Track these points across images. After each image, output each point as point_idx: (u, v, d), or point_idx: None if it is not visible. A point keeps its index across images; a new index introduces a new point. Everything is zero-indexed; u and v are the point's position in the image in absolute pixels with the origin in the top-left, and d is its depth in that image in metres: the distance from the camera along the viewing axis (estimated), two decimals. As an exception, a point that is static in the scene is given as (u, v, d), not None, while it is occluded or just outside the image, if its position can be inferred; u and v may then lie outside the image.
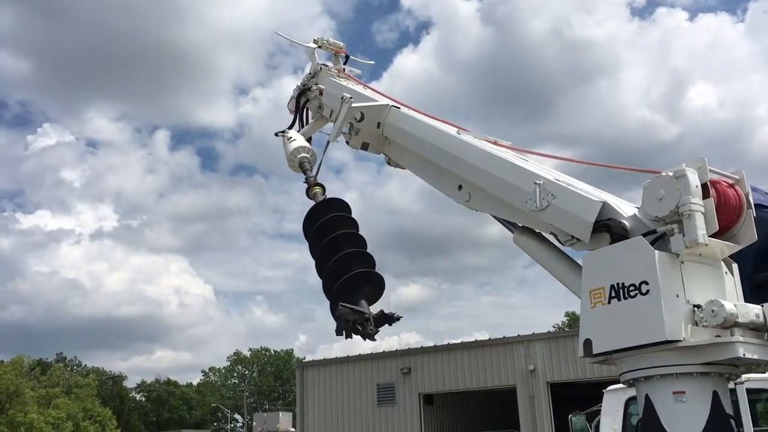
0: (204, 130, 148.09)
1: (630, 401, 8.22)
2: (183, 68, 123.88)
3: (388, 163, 7.44)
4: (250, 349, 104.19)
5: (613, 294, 4.28)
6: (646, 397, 4.20)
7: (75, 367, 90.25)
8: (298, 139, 8.38)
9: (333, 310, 5.99)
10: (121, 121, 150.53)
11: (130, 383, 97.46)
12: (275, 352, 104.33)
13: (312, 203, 7.35)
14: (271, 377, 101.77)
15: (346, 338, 5.92)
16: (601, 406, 9.77)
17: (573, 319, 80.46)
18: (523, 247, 5.56)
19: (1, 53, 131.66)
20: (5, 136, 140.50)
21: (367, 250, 6.57)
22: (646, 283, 4.12)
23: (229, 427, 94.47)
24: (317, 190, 7.56)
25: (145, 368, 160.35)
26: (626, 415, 8.87)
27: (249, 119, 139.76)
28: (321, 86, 8.41)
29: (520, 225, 5.59)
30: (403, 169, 7.34)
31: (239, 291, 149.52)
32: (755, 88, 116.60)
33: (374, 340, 5.93)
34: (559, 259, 5.27)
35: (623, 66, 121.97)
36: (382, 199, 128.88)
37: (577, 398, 34.35)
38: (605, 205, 4.65)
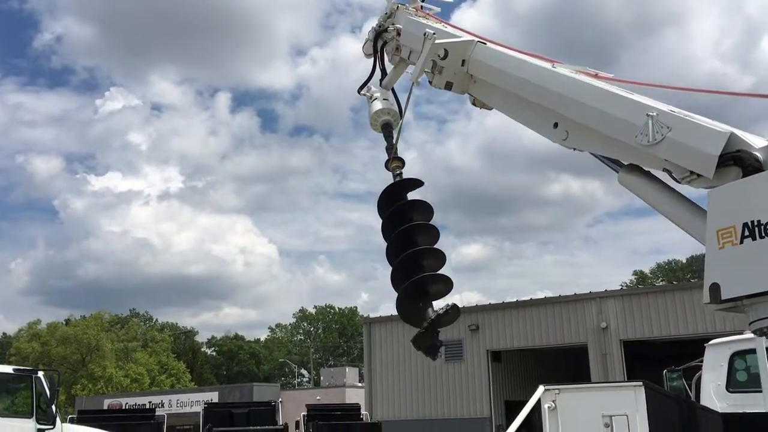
0: (263, 91, 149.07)
1: (735, 356, 7.74)
2: (240, 31, 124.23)
3: (473, 104, 7.03)
4: (315, 307, 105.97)
5: (747, 233, 3.84)
6: (785, 346, 3.78)
7: (148, 321, 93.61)
8: (380, 97, 8.09)
9: (400, 302, 6.15)
10: (183, 85, 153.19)
11: (201, 338, 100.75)
12: (339, 309, 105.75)
13: (389, 176, 7.34)
14: (335, 334, 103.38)
15: (433, 360, 6.36)
16: (699, 362, 9.27)
17: (641, 279, 78.76)
18: (630, 187, 5.11)
19: (66, 19, 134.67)
20: (74, 100, 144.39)
21: (438, 239, 6.53)
22: (788, 219, 3.66)
23: (296, 381, 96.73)
24: (396, 164, 7.50)
25: (213, 324, 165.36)
26: (731, 371, 8.38)
27: (307, 80, 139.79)
28: (398, 26, 8.01)
29: (626, 163, 5.14)
30: (490, 109, 6.93)
31: (302, 250, 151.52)
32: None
33: (436, 358, 6.35)
34: (672, 198, 4.81)
35: (692, 15, 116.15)
36: (441, 157, 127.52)
37: (650, 356, 33.70)
38: (732, 136, 4.16)
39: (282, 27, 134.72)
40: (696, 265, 77.37)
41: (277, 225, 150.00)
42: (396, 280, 6.37)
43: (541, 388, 4.93)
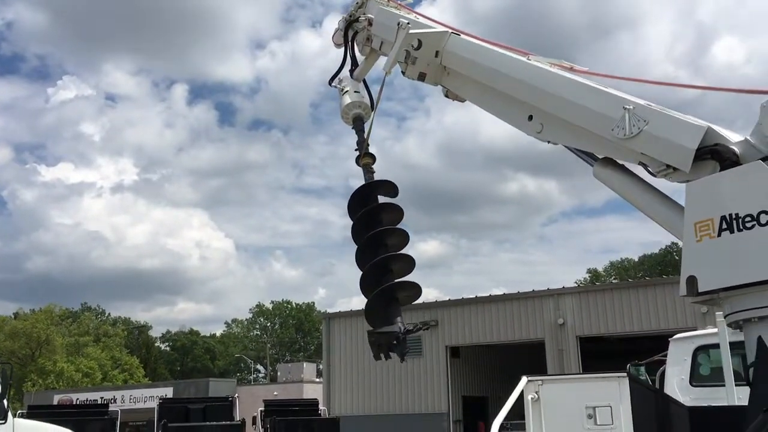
0: (221, 84, 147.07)
1: (698, 350, 7.86)
2: (199, 22, 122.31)
3: (446, 96, 6.98)
4: (272, 302, 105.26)
5: (725, 226, 3.86)
6: (759, 339, 3.80)
7: (100, 315, 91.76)
8: (351, 89, 7.99)
9: (369, 308, 6.16)
10: (139, 75, 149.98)
11: (155, 333, 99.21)
12: (297, 304, 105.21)
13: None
14: (292, 329, 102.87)
15: (384, 359, 6.15)
16: (662, 356, 9.39)
17: (595, 277, 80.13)
18: (605, 180, 5.12)
19: (17, 5, 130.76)
20: (25, 88, 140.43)
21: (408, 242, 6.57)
22: (767, 212, 3.68)
23: (252, 377, 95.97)
24: (367, 161, 7.45)
25: (167, 319, 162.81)
26: (694, 365, 8.51)
27: (266, 74, 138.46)
28: (370, 16, 7.91)
29: (601, 156, 5.15)
30: (462, 101, 6.89)
31: (259, 245, 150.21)
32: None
33: (404, 360, 6.16)
34: (647, 191, 4.83)
35: (647, 19, 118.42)
36: (400, 154, 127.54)
37: (604, 352, 34.31)
38: (710, 130, 4.19)
39: (241, 19, 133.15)
40: (647, 263, 79.18)
41: (234, 219, 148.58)
42: (365, 286, 6.34)
43: (524, 379, 4.90)
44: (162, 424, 21.62)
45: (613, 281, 70.59)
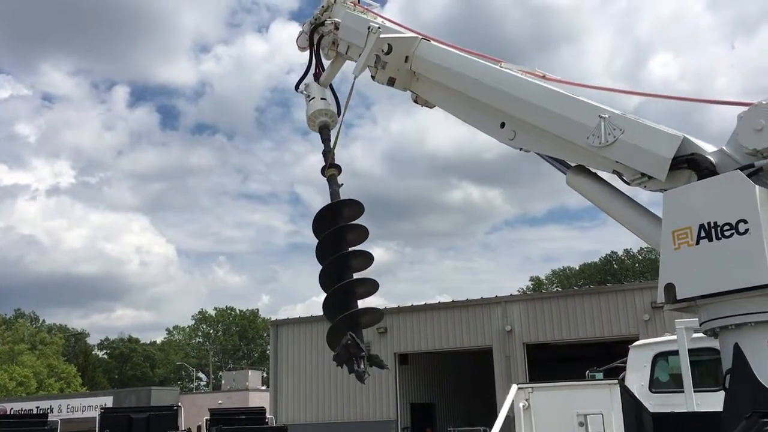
0: (163, 87, 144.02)
1: (658, 357, 8.02)
2: (141, 23, 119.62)
3: (415, 101, 6.97)
4: (215, 308, 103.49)
5: (703, 234, 3.93)
6: (736, 346, 3.88)
7: (35, 322, 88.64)
8: (318, 95, 7.94)
9: (333, 332, 6.29)
10: (77, 76, 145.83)
11: (92, 340, 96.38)
12: (240, 311, 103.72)
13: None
14: (236, 336, 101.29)
15: (341, 367, 6.36)
16: (620, 362, 9.53)
17: (537, 284, 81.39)
18: (578, 188, 5.18)
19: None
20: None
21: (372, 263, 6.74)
22: (745, 221, 3.77)
23: (193, 385, 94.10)
24: (333, 172, 7.45)
25: (104, 326, 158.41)
26: (653, 371, 8.67)
27: (211, 77, 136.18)
28: (336, 20, 7.87)
29: (575, 164, 5.19)
30: (431, 107, 6.89)
31: (202, 251, 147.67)
32: (715, 60, 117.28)
33: (363, 382, 6.43)
34: (620, 199, 4.90)
35: (587, 34, 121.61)
36: (346, 161, 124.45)
37: (547, 359, 34.87)
38: (685, 140, 4.27)
39: (185, 22, 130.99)
40: (588, 271, 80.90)
41: (176, 225, 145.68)
42: (329, 309, 6.46)
43: (514, 387, 4.87)
44: (104, 434, 20.95)
45: (556, 289, 71.89)
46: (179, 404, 26.49)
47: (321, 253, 6.73)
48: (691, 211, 4.00)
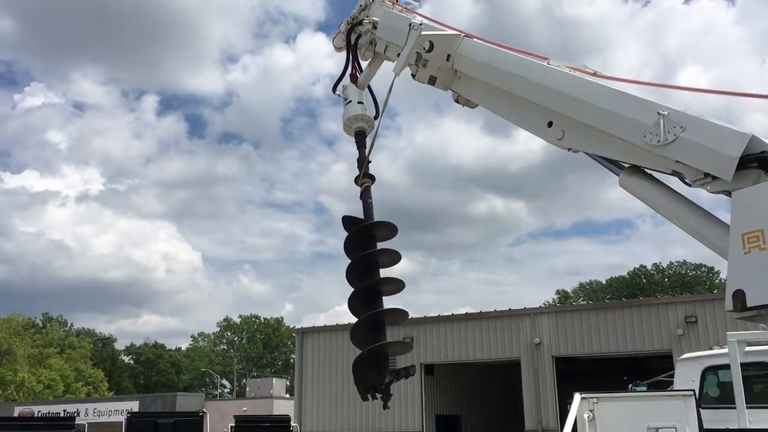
0: (191, 96, 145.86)
1: (707, 371, 7.68)
2: (171, 33, 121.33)
3: (456, 101, 6.78)
4: (240, 316, 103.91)
5: (777, 237, 3.66)
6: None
7: (63, 326, 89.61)
8: (356, 99, 7.76)
9: (359, 364, 6.49)
10: (108, 85, 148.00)
11: (118, 346, 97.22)
12: (265, 319, 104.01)
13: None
14: (260, 344, 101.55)
15: (371, 399, 6.66)
16: (665, 377, 9.19)
17: (564, 297, 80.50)
18: (632, 191, 4.93)
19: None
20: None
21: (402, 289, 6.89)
22: (823, 223, 3.50)
23: (217, 392, 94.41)
24: (367, 182, 7.34)
25: (130, 332, 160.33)
26: (703, 386, 8.32)
27: (237, 87, 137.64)
28: (374, 18, 7.70)
29: (629, 165, 4.95)
30: (473, 107, 6.70)
31: (227, 259, 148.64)
32: (745, 73, 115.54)
33: (386, 408, 6.79)
34: (678, 202, 4.64)
35: (614, 47, 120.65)
36: (371, 172, 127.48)
37: (577, 373, 34.24)
38: (753, 138, 4.01)
39: (214, 32, 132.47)
40: (615, 285, 79.83)
41: (202, 232, 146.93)
42: (358, 336, 6.64)
43: (577, 396, 4.58)
44: (130, 438, 20.97)
45: (582, 302, 70.96)
46: (204, 410, 26.49)
47: (352, 275, 6.78)
48: (764, 212, 3.75)
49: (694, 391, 4.57)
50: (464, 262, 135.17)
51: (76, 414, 39.42)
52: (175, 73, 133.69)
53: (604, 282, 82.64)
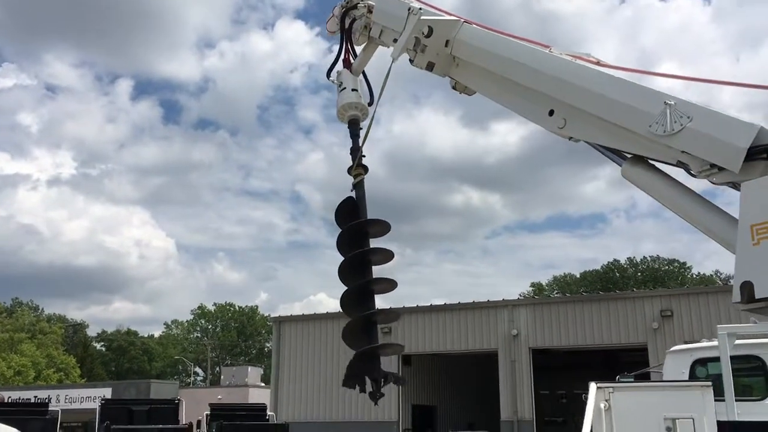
0: (167, 81, 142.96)
1: (696, 363, 7.73)
2: (147, 17, 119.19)
3: (454, 88, 6.72)
4: (215, 304, 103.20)
5: (787, 229, 3.65)
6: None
7: (34, 311, 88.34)
8: (350, 86, 7.67)
9: (352, 366, 6.97)
10: (81, 68, 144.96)
11: (90, 332, 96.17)
12: (239, 308, 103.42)
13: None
14: (234, 332, 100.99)
15: (357, 390, 7.06)
16: (653, 369, 9.23)
17: (539, 290, 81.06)
18: (635, 181, 4.90)
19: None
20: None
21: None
22: (836, 215, 3.49)
23: (191, 380, 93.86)
24: (360, 172, 7.34)
25: (102, 318, 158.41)
26: (692, 378, 8.36)
27: (214, 73, 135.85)
28: (369, 2, 7.60)
29: (631, 154, 4.92)
30: (471, 94, 6.64)
31: (201, 246, 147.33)
32: (719, 71, 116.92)
33: (376, 404, 7.26)
34: (682, 193, 4.62)
35: (592, 41, 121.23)
36: (347, 160, 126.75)
37: (551, 365, 34.48)
38: (762, 130, 3.99)
39: (190, 17, 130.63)
40: (589, 278, 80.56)
41: (177, 219, 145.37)
42: (350, 336, 6.91)
43: (593, 386, 4.54)
44: (105, 425, 20.64)
45: (557, 295, 71.59)
46: (180, 398, 26.24)
47: (344, 273, 6.94)
48: None
49: (712, 382, 4.56)
50: (440, 253, 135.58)
51: (47, 400, 38.89)
52: (151, 57, 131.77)
53: (578, 275, 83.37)
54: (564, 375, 39.81)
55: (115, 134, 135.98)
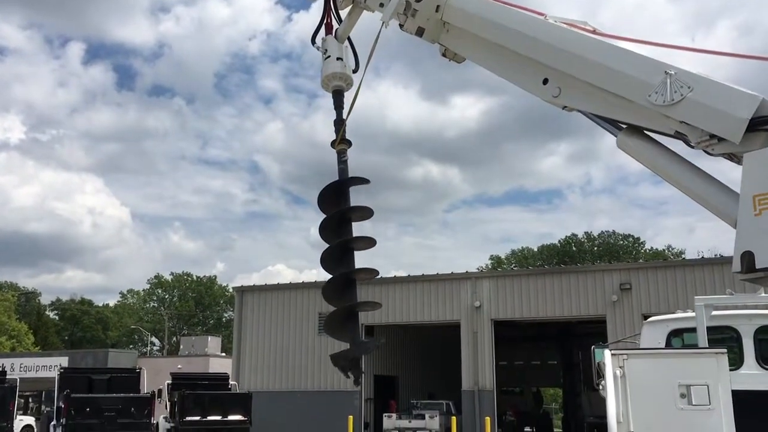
0: (120, 46, 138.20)
1: (672, 334, 7.89)
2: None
3: (444, 55, 6.62)
4: (172, 273, 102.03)
5: (789, 199, 3.69)
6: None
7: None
8: (335, 54, 7.47)
9: (331, 320, 7.10)
10: (30, 29, 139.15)
11: (43, 300, 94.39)
12: (197, 277, 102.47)
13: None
14: (192, 302, 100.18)
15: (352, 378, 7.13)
16: (628, 338, 9.40)
17: (497, 263, 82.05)
18: (630, 152, 4.91)
19: None
20: None
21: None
22: (840, 186, 3.54)
23: (147, 349, 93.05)
24: (343, 147, 7.37)
25: (54, 287, 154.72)
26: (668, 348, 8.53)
27: (170, 39, 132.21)
28: None
29: (627, 125, 4.92)
30: (461, 61, 6.54)
31: (157, 215, 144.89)
32: (676, 52, 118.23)
33: (358, 384, 7.47)
34: (679, 164, 4.65)
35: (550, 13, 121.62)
36: (306, 131, 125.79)
37: (515, 336, 35.00)
38: (764, 101, 4.01)
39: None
40: (547, 252, 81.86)
41: (131, 187, 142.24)
42: (331, 293, 7.06)
43: (607, 353, 4.56)
44: (65, 394, 20.42)
45: (515, 268, 72.59)
46: (141, 367, 26.02)
47: (325, 231, 7.14)
48: None
49: (726, 349, 4.64)
50: (399, 226, 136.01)
51: (2, 368, 38.17)
52: (103, 20, 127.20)
53: (535, 249, 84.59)
54: (522, 346, 40.61)
55: (67, 99, 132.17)
